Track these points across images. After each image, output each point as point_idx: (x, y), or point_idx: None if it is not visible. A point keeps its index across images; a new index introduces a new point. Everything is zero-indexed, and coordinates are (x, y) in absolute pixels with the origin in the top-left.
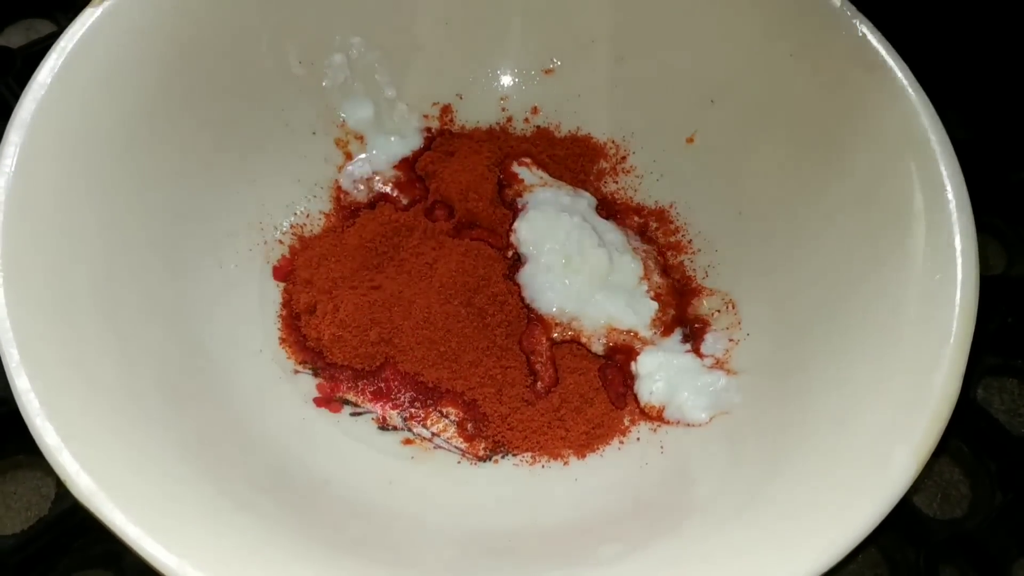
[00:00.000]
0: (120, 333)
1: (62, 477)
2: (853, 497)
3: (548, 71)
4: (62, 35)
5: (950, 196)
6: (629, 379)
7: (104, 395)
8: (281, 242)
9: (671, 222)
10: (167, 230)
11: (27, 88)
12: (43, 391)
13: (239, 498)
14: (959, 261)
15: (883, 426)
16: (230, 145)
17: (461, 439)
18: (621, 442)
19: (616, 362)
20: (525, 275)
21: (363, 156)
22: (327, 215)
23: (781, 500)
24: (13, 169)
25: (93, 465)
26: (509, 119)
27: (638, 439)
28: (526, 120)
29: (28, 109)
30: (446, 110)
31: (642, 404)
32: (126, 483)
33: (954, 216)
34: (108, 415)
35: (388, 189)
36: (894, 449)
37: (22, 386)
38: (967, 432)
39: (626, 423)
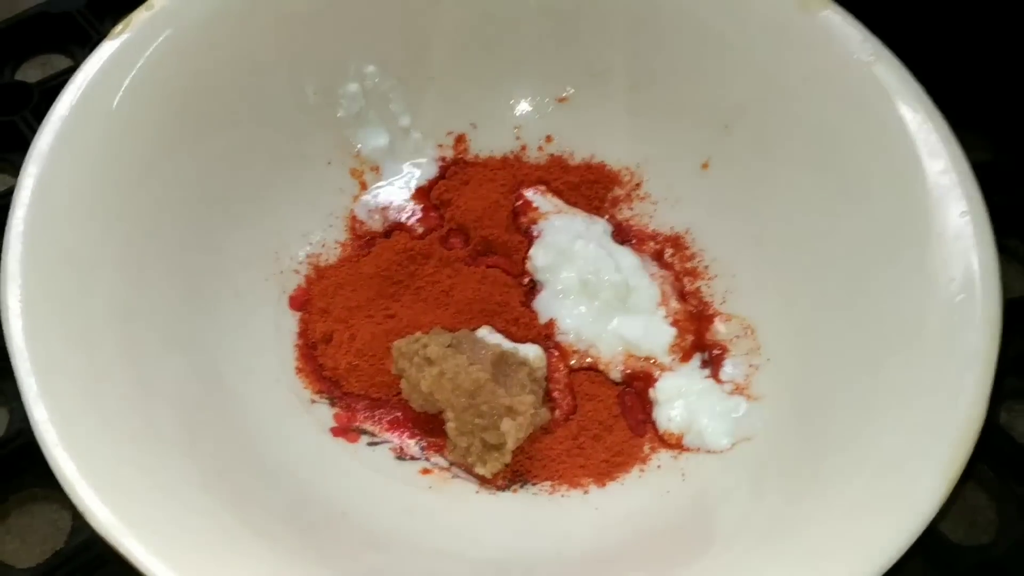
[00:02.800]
0: (137, 363)
1: (81, 509)
2: (879, 523)
3: (562, 99)
4: (81, 67)
5: (970, 218)
6: (648, 406)
7: (122, 426)
8: (297, 272)
9: (687, 248)
10: (183, 260)
11: (45, 120)
12: (61, 422)
13: (258, 528)
14: (979, 281)
15: (908, 450)
16: (246, 175)
17: None
18: (642, 470)
19: (634, 389)
20: (542, 302)
21: (378, 185)
22: (343, 244)
23: (805, 527)
24: (31, 200)
25: (112, 497)
26: (523, 147)
27: (659, 467)
28: (540, 148)
29: (46, 141)
30: (460, 139)
31: (661, 431)
32: (145, 515)
33: (974, 237)
34: (126, 446)
35: (403, 218)
36: (920, 474)
37: (40, 417)
38: (992, 457)
39: (646, 450)
